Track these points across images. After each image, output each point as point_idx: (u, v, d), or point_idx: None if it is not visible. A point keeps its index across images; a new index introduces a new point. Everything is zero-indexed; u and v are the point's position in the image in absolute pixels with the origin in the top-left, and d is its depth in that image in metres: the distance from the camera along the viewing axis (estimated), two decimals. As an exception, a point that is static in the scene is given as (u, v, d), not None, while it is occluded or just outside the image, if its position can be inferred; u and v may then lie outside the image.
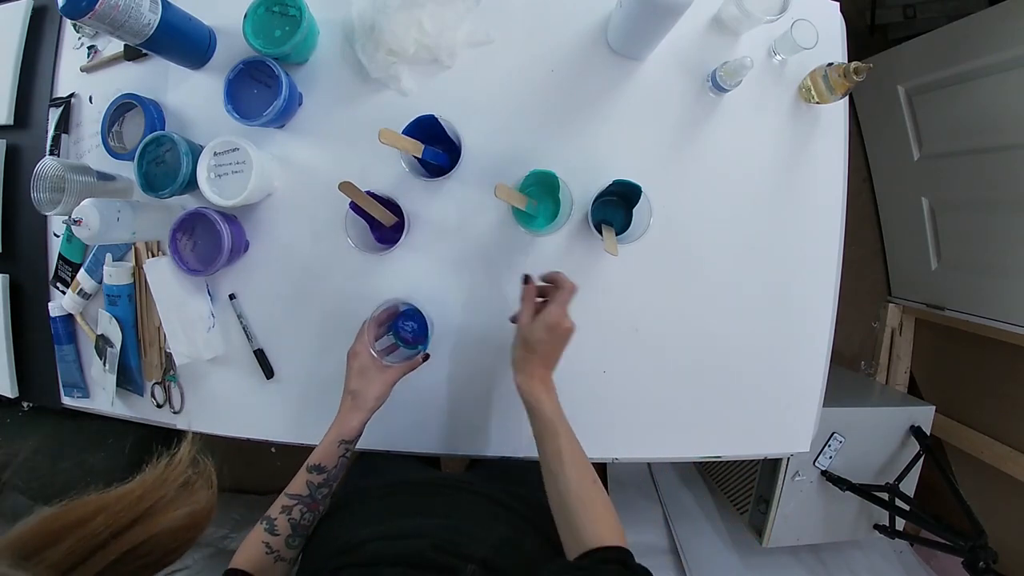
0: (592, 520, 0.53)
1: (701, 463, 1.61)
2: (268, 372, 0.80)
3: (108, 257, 0.80)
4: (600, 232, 0.70)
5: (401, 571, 0.48)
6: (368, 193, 0.68)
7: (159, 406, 0.83)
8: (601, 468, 1.71)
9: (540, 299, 0.66)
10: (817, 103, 0.78)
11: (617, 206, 0.76)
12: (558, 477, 0.56)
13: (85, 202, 0.70)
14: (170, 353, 0.80)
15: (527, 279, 0.67)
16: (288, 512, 0.59)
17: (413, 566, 0.48)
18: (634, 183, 0.69)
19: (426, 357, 0.70)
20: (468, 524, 0.59)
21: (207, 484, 0.33)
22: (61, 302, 0.83)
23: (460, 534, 0.55)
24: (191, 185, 0.72)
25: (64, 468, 0.96)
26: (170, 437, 1.17)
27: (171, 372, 0.82)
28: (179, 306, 0.77)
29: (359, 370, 0.65)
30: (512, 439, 0.80)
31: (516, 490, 0.71)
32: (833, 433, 1.25)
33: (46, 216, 0.84)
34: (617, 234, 0.72)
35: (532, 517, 0.65)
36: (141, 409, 0.84)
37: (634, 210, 0.73)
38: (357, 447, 0.66)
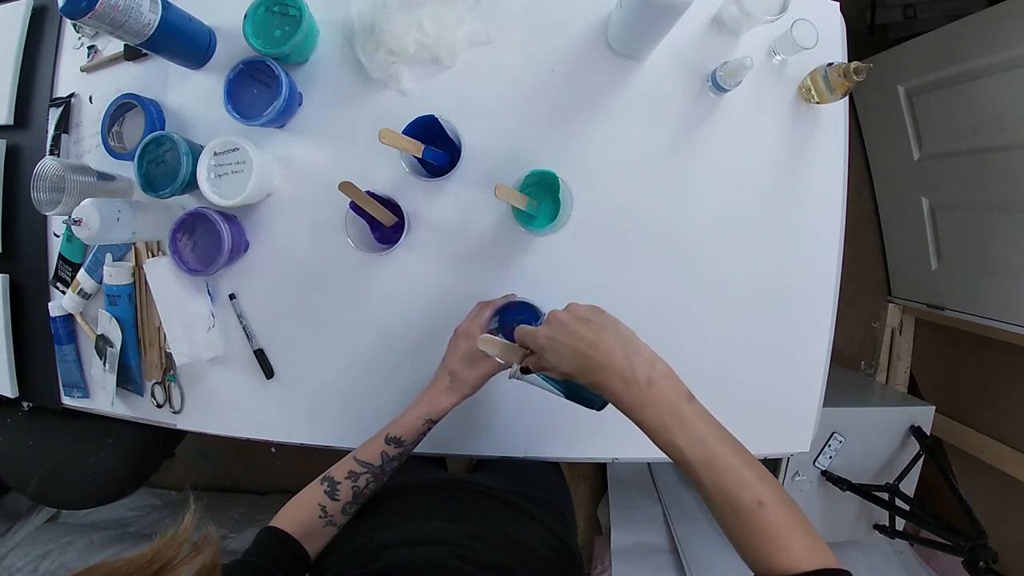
0: (771, 548, 0.41)
1: (701, 463, 1.61)
2: (268, 372, 0.80)
3: (108, 257, 0.80)
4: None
5: None
6: (368, 193, 0.68)
7: (159, 406, 0.83)
8: (601, 468, 1.72)
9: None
10: (817, 103, 0.78)
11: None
12: (711, 507, 0.44)
13: (85, 202, 0.70)
14: (170, 353, 0.80)
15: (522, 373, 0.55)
16: (354, 479, 0.58)
17: None
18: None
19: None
20: (483, 529, 0.58)
21: (210, 544, 0.37)
22: (61, 302, 0.83)
23: (477, 540, 0.54)
24: (191, 185, 0.72)
25: (64, 468, 0.96)
26: (170, 438, 1.17)
27: (171, 372, 0.82)
28: (179, 306, 0.77)
29: (467, 354, 0.62)
30: (515, 439, 0.80)
31: (525, 491, 0.71)
32: (833, 433, 1.25)
33: (46, 216, 0.84)
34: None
35: (543, 518, 0.65)
36: (141, 409, 0.84)
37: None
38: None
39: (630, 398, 0.45)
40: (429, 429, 0.62)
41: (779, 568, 0.40)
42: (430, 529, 0.57)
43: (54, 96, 0.85)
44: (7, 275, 0.87)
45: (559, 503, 0.76)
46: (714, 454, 0.44)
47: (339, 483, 0.57)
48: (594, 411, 0.54)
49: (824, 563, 0.40)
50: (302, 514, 0.56)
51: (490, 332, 0.68)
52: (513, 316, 0.72)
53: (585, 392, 0.51)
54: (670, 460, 0.45)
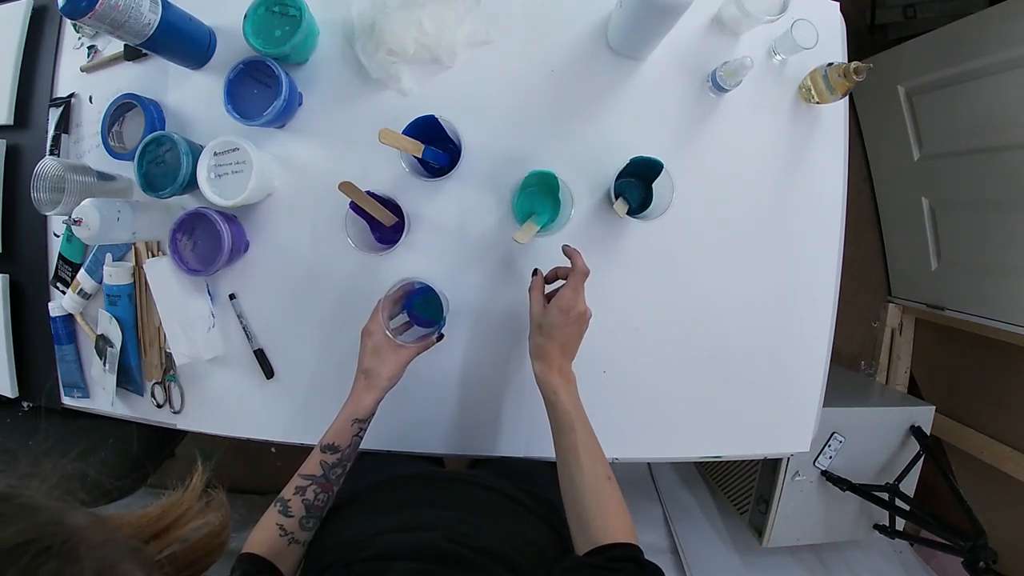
0: (604, 517, 0.53)
1: (701, 463, 1.61)
2: (268, 372, 0.80)
3: (108, 257, 0.80)
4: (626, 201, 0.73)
5: (412, 565, 0.47)
6: (368, 193, 0.68)
7: (159, 406, 0.83)
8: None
9: (555, 283, 0.68)
10: (817, 103, 0.78)
11: (636, 185, 0.76)
12: (572, 472, 0.56)
13: (85, 202, 0.70)
14: (170, 353, 0.80)
15: (536, 272, 0.68)
16: (302, 493, 0.59)
17: (425, 559, 0.48)
18: (653, 159, 0.70)
19: (440, 338, 0.69)
20: (479, 517, 0.58)
21: (219, 506, 0.38)
22: (61, 302, 0.83)
23: (472, 527, 0.54)
24: (191, 185, 0.72)
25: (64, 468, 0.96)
26: (171, 437, 1.17)
27: (171, 372, 0.82)
28: (179, 306, 0.77)
29: (373, 349, 0.64)
30: (515, 439, 0.80)
31: (521, 485, 0.71)
32: (833, 433, 1.25)
33: (46, 216, 0.84)
34: (638, 212, 0.74)
35: (541, 512, 0.65)
36: (141, 409, 0.84)
37: (654, 185, 0.74)
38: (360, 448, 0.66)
39: (559, 382, 0.61)
40: (361, 431, 0.63)
41: (603, 537, 0.51)
42: (423, 517, 0.58)
43: (54, 96, 0.85)
44: (7, 275, 0.87)
45: (555, 499, 0.76)
46: (589, 433, 0.59)
47: (289, 500, 0.59)
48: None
49: (634, 540, 0.52)
50: (264, 537, 0.57)
51: (403, 323, 0.73)
52: (415, 301, 0.75)
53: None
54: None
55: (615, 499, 0.55)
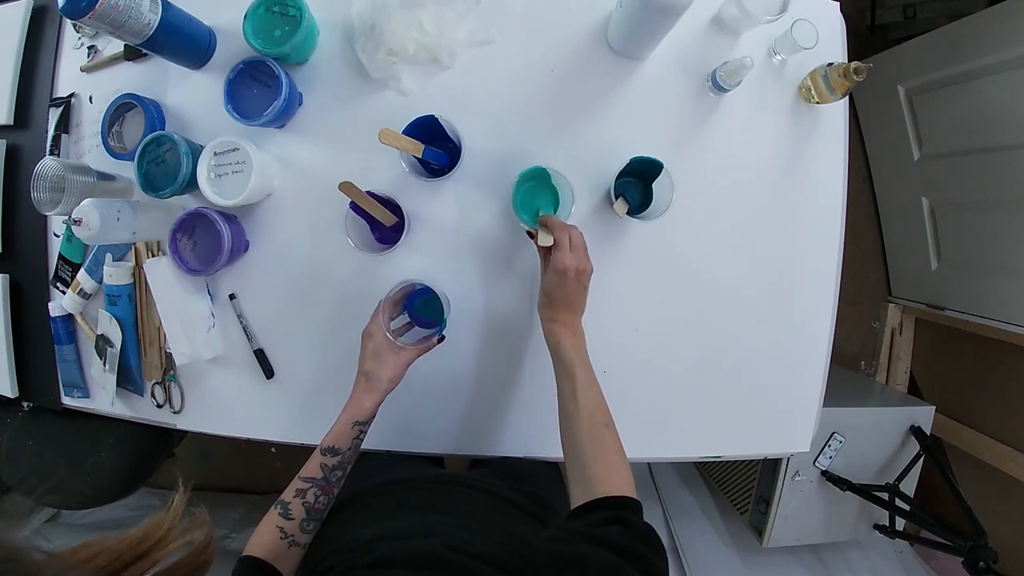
0: (601, 464, 0.53)
1: (701, 463, 1.61)
2: (268, 372, 0.80)
3: (108, 257, 0.80)
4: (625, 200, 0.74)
5: (411, 572, 0.47)
6: (368, 193, 0.68)
7: (159, 406, 0.83)
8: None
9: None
10: (817, 103, 0.78)
11: (636, 185, 0.77)
12: (571, 418, 0.57)
13: (85, 202, 0.70)
14: (170, 353, 0.80)
15: (532, 235, 0.68)
16: (302, 496, 0.59)
17: (424, 567, 0.48)
18: (653, 159, 0.70)
19: (441, 339, 0.69)
20: (478, 522, 0.58)
21: (202, 523, 0.37)
22: (61, 302, 0.83)
23: (471, 532, 0.54)
24: (191, 185, 0.72)
25: (64, 468, 0.96)
26: (170, 438, 1.17)
27: (171, 372, 0.82)
28: (179, 306, 0.77)
29: (373, 351, 0.64)
30: (515, 439, 0.80)
31: (524, 488, 0.71)
32: (833, 433, 1.25)
33: (46, 216, 0.84)
34: (638, 212, 0.75)
35: (542, 515, 0.65)
36: (141, 409, 0.84)
37: (654, 185, 0.74)
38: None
39: (563, 333, 0.62)
40: (361, 433, 0.63)
41: (603, 488, 0.50)
42: (422, 522, 0.57)
43: (54, 96, 0.85)
44: (7, 275, 0.87)
45: (554, 500, 0.76)
46: (592, 381, 0.59)
47: (289, 503, 0.59)
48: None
49: (633, 494, 0.51)
50: (265, 539, 0.57)
51: (401, 325, 0.73)
52: (416, 302, 0.75)
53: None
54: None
55: (613, 447, 0.55)
